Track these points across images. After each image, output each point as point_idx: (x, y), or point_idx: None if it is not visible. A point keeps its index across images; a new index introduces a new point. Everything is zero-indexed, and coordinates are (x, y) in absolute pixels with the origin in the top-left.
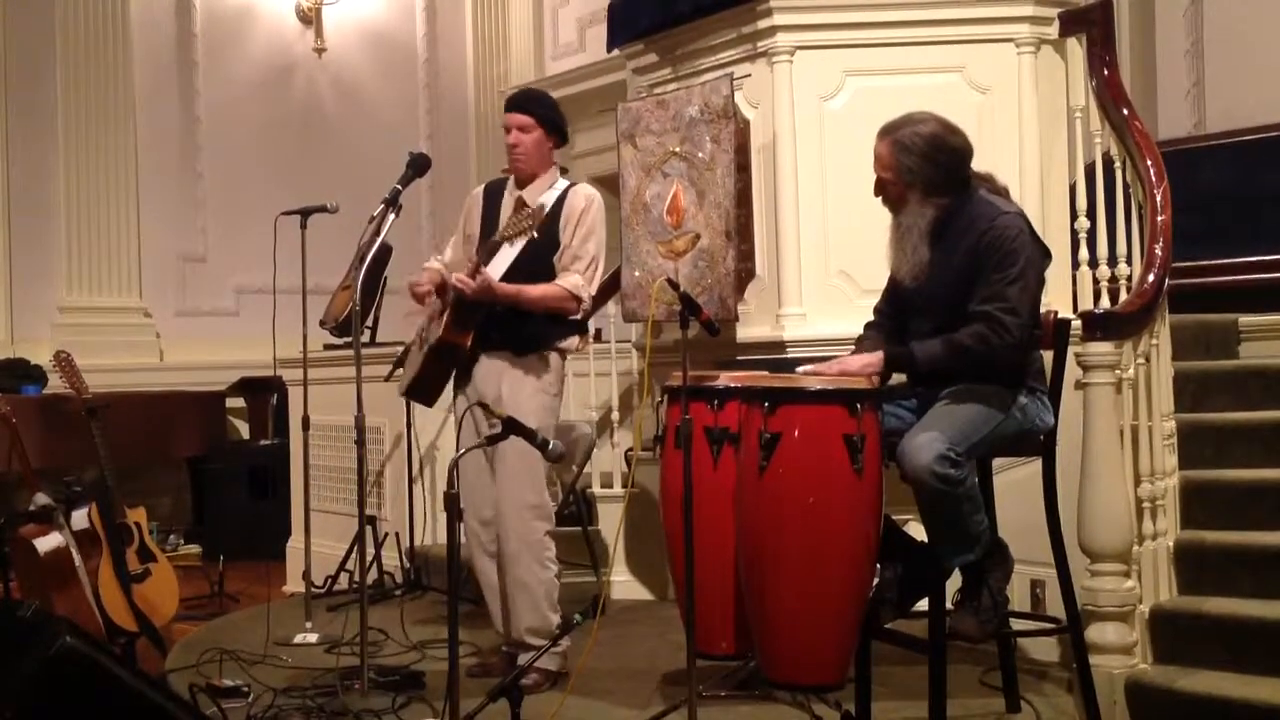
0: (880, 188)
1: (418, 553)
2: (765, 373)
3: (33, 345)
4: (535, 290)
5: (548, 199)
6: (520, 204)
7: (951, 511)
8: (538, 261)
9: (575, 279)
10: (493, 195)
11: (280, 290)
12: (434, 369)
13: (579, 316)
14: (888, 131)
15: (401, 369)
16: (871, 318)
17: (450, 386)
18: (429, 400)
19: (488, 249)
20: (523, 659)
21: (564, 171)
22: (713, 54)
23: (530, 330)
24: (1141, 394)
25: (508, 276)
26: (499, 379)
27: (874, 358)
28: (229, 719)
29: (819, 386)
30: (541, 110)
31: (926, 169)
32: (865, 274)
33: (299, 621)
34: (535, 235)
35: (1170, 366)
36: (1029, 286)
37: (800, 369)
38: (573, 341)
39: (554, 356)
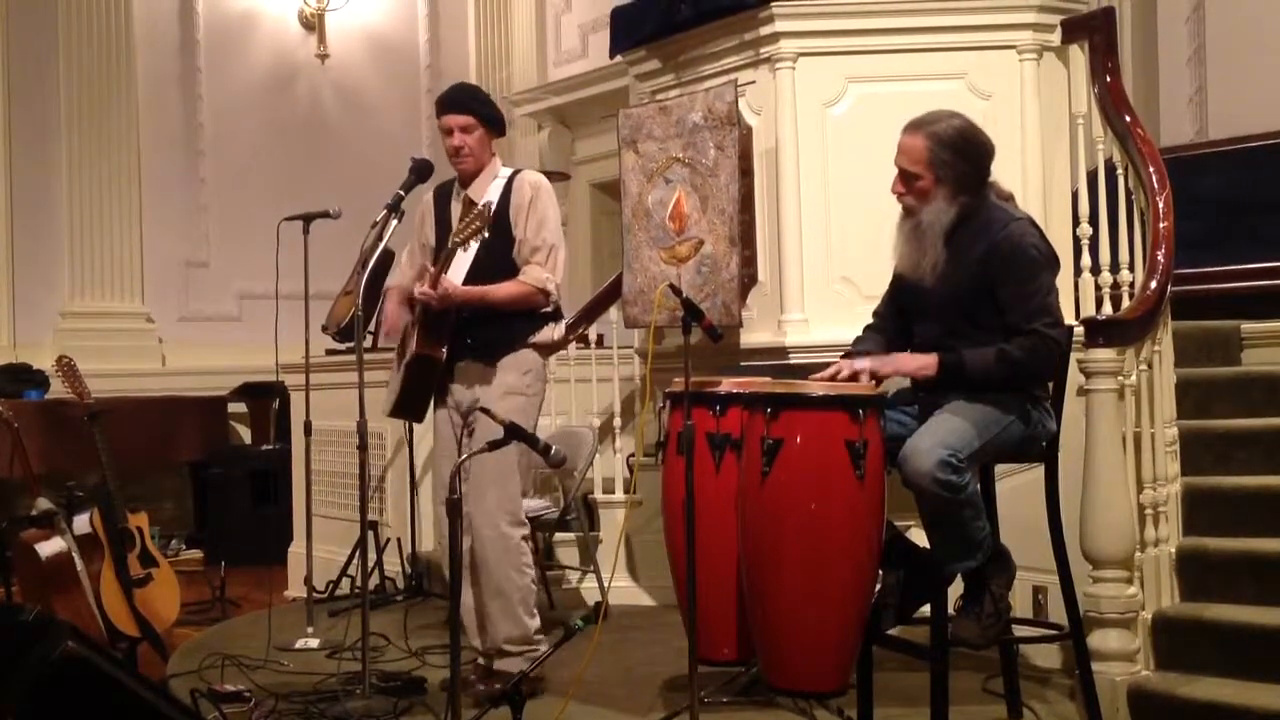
0: (905, 183)
1: (419, 558)
2: (768, 378)
3: (35, 350)
4: (500, 291)
5: (493, 191)
6: (469, 203)
7: (953, 518)
8: (497, 260)
9: (537, 271)
10: (442, 199)
11: (283, 295)
12: (414, 384)
13: (549, 309)
14: (921, 125)
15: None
16: (871, 320)
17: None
18: (417, 416)
19: (444, 256)
20: (500, 664)
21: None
22: (715, 60)
23: (498, 332)
24: (1144, 400)
25: (469, 279)
26: (473, 385)
27: (930, 359)
28: None
29: (821, 392)
30: (479, 106)
31: (961, 165)
32: (867, 280)
33: (300, 627)
34: (486, 234)
35: (1173, 373)
36: (1056, 294)
37: (855, 364)
38: (546, 334)
39: (529, 354)
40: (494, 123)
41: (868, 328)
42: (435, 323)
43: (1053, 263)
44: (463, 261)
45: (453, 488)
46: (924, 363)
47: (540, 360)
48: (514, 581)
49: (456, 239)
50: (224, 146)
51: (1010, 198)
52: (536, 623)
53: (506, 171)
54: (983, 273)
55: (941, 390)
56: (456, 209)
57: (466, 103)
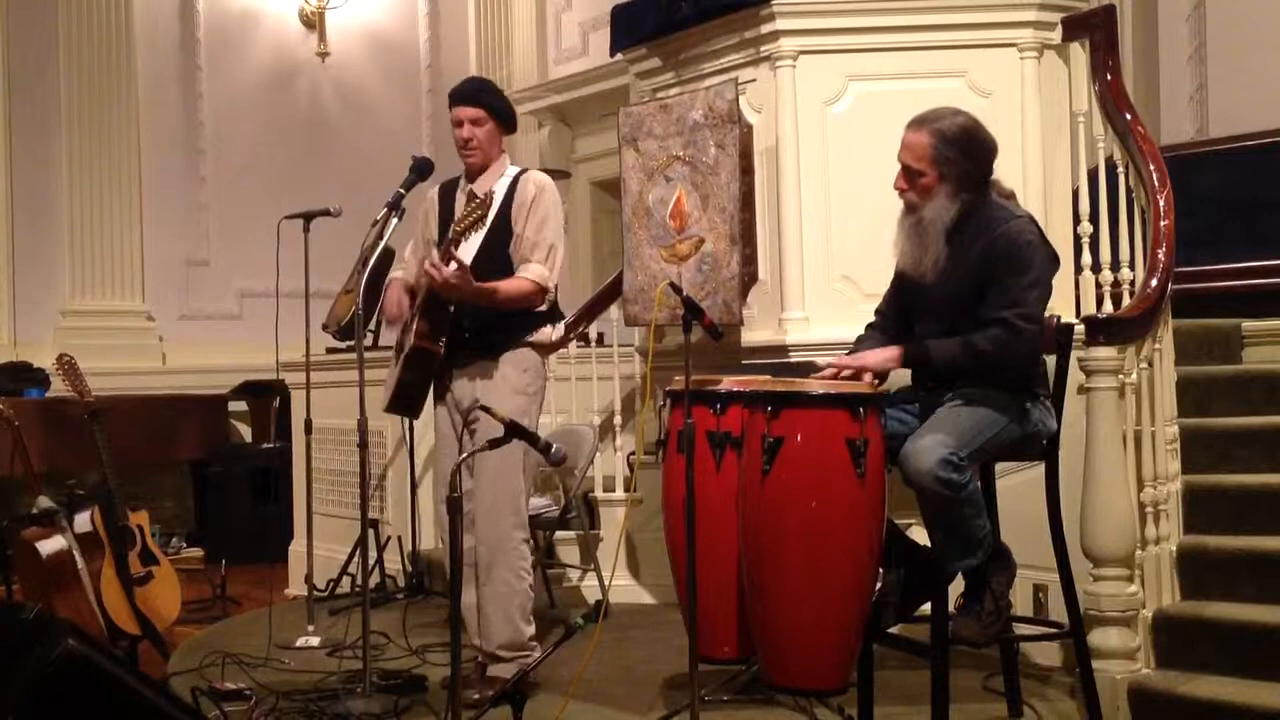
0: (908, 179)
1: (420, 556)
2: (768, 376)
3: (36, 348)
4: (507, 288)
5: (499, 189)
6: (473, 197)
7: (954, 516)
8: (495, 254)
9: (538, 269)
10: (447, 195)
11: (283, 294)
12: (411, 378)
13: (544, 308)
14: (926, 122)
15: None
16: (873, 319)
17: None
18: (414, 412)
19: (447, 245)
20: (492, 669)
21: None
22: (716, 58)
23: (498, 328)
24: (1144, 398)
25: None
26: (473, 384)
27: (892, 351)
28: None
29: (822, 390)
30: (491, 100)
31: (964, 162)
32: (867, 278)
33: (301, 625)
34: (487, 223)
35: (1173, 371)
36: (1044, 293)
37: (825, 365)
38: (545, 333)
39: (528, 353)
40: (504, 117)
41: (869, 326)
42: (435, 316)
43: (1050, 261)
44: (465, 255)
45: (453, 486)
46: (887, 355)
47: (539, 358)
48: (512, 586)
49: (458, 228)
50: (224, 145)
51: (1012, 196)
52: (531, 629)
53: (514, 170)
54: (981, 270)
55: (938, 382)
56: (461, 202)
57: (477, 95)
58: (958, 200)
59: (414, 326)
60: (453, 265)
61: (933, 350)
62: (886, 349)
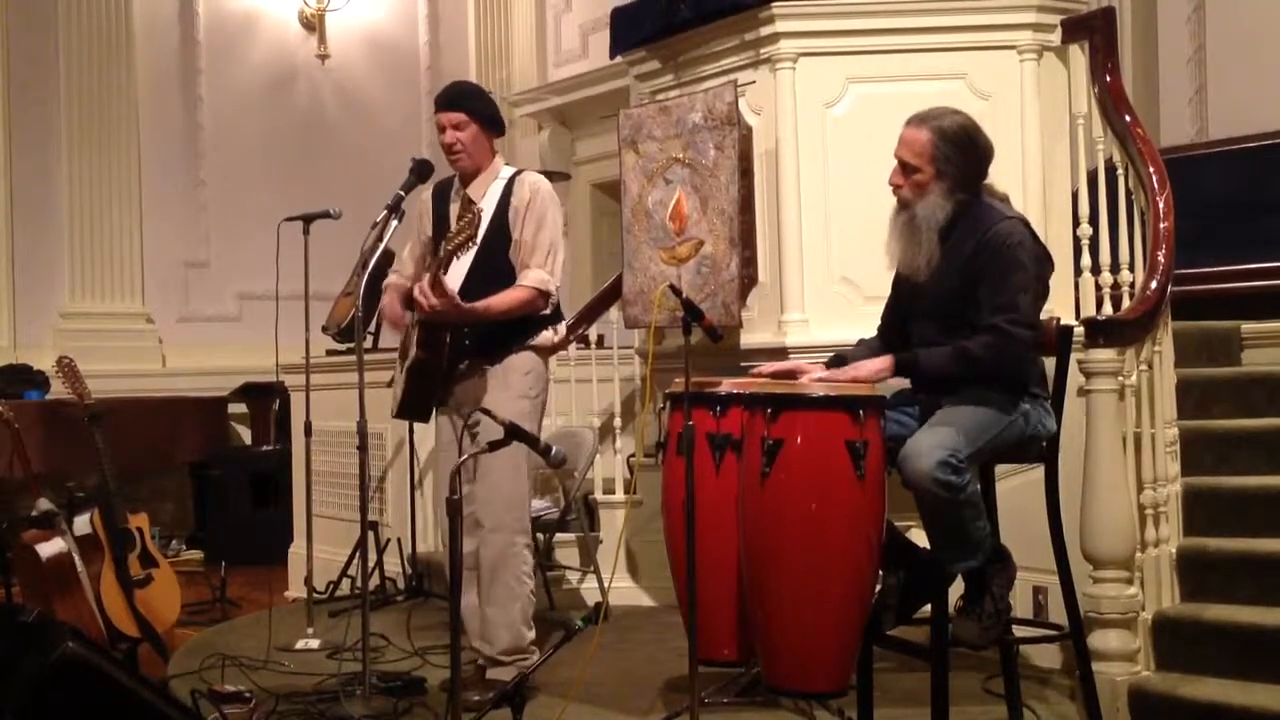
0: (904, 175)
1: (419, 559)
2: (768, 376)
3: (35, 351)
4: (501, 302)
5: (493, 192)
6: (467, 202)
7: (953, 518)
8: (494, 261)
9: (538, 274)
10: (441, 196)
11: (283, 296)
12: (417, 387)
13: (548, 312)
14: (926, 119)
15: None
16: (875, 330)
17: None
18: (422, 417)
19: (439, 262)
20: (492, 673)
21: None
22: (715, 60)
23: (499, 333)
24: (1144, 401)
25: (467, 280)
26: (476, 389)
27: (885, 362)
28: None
29: (822, 392)
30: (473, 104)
31: (961, 161)
32: (868, 280)
33: (301, 627)
34: (476, 242)
35: (1173, 373)
36: (1037, 295)
37: (811, 376)
38: (546, 336)
39: (530, 356)
40: (489, 121)
41: (860, 341)
42: (434, 328)
43: (1040, 263)
44: (459, 266)
45: (453, 488)
46: (879, 366)
47: (541, 361)
48: (513, 590)
49: (449, 248)
50: (224, 147)
51: (1005, 199)
52: (532, 634)
53: (508, 171)
54: (972, 269)
55: (931, 389)
56: (455, 207)
57: (459, 100)
58: (951, 199)
59: (415, 337)
60: (444, 298)
61: (921, 358)
62: (878, 359)
